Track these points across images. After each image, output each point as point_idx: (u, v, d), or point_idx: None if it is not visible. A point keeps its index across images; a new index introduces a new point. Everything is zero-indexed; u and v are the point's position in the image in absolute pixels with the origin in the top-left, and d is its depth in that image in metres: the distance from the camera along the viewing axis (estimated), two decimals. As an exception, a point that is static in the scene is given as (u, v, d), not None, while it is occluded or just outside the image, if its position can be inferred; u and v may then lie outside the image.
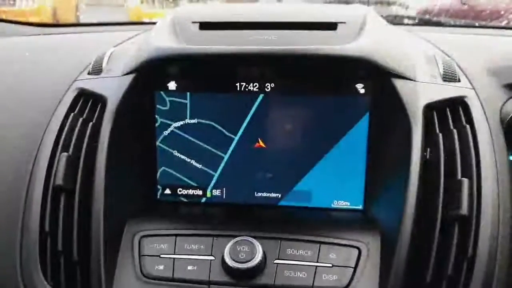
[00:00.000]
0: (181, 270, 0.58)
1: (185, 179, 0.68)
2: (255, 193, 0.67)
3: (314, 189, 0.66)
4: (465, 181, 0.56)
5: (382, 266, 0.57)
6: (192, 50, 0.62)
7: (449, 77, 0.66)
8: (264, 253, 0.58)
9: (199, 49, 0.62)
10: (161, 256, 0.60)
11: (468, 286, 0.53)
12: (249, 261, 0.56)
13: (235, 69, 0.65)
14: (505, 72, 0.73)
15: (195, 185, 0.68)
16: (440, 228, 0.55)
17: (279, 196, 0.67)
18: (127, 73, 0.65)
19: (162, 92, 0.66)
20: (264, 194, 0.67)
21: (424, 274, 0.54)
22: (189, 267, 0.58)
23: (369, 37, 0.63)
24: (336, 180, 0.65)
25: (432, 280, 0.54)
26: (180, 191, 0.68)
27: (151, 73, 0.65)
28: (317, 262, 0.58)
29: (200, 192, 0.68)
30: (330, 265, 0.58)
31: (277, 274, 0.57)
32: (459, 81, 0.67)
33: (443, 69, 0.67)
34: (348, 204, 0.66)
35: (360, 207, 0.66)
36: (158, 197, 0.69)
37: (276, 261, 0.58)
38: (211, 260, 0.59)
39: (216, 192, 0.68)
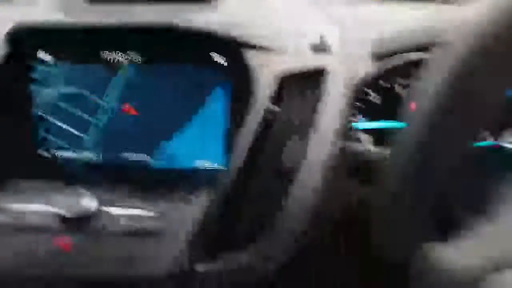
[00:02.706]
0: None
1: (62, 144, 0.73)
2: (126, 156, 0.72)
3: (179, 151, 0.71)
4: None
5: None
6: (61, 22, 0.66)
7: (317, 48, 0.70)
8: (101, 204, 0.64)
9: (66, 20, 0.66)
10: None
11: None
12: (84, 210, 0.62)
13: (101, 40, 0.69)
14: (377, 42, 0.77)
15: (71, 149, 0.73)
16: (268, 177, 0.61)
17: (149, 158, 0.72)
18: None
19: (33, 62, 0.70)
20: (134, 157, 0.72)
21: None
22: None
23: (228, 9, 0.67)
24: (198, 143, 0.71)
25: None
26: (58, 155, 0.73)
27: (20, 43, 0.69)
28: None
29: (75, 155, 0.73)
30: None
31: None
32: (325, 52, 0.71)
33: (314, 41, 0.71)
34: (210, 163, 0.72)
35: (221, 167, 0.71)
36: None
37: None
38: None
39: (90, 156, 0.73)
